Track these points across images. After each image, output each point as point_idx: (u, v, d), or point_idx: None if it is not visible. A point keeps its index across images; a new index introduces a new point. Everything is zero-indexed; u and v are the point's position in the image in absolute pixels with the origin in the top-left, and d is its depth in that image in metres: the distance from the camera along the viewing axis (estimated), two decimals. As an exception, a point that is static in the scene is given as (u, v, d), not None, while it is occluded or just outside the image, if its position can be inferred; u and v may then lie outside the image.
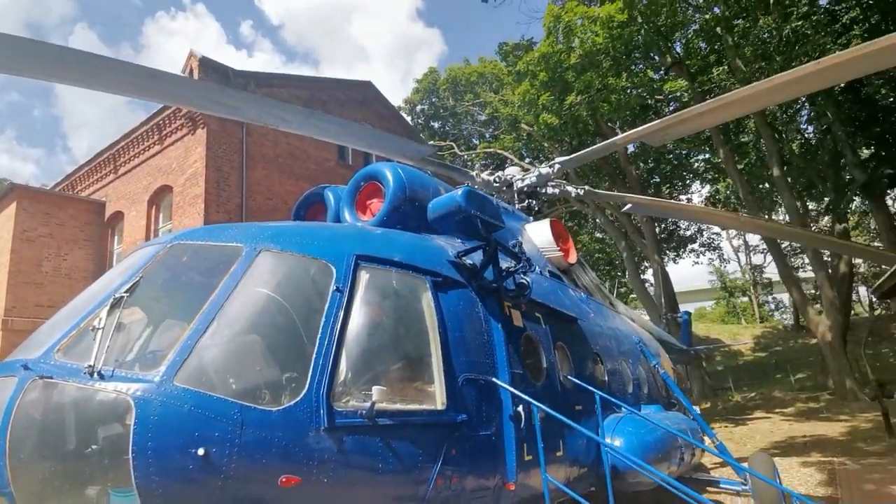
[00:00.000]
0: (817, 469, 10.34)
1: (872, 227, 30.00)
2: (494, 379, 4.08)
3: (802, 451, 12.27)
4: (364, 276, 3.59)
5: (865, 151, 19.38)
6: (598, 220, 28.31)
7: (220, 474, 2.52)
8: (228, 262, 3.28)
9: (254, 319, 3.09)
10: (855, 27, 16.56)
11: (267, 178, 15.87)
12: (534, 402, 3.97)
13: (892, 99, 17.78)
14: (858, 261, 23.56)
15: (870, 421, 14.42)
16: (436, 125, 37.58)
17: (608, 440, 5.57)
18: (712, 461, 11.21)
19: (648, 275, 31.56)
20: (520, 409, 4.13)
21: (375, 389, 3.07)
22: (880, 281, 8.81)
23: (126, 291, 3.09)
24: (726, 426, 16.89)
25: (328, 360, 3.06)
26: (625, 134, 7.30)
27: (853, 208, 27.06)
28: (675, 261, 33.96)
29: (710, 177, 30.70)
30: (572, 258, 7.60)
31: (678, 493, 3.99)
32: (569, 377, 5.21)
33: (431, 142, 33.52)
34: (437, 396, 3.58)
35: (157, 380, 2.61)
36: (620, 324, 8.27)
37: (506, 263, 4.68)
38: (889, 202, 21.18)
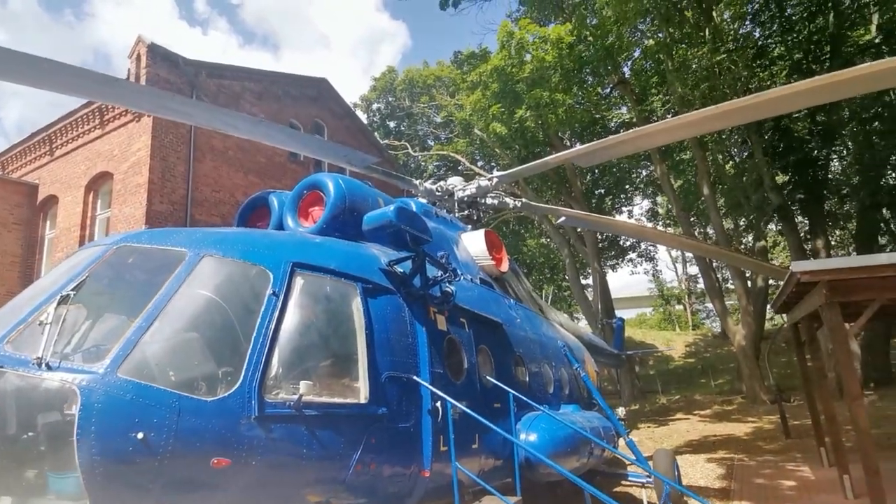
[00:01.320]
0: (719, 464, 11.43)
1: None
2: (415, 377, 4.55)
3: (711, 448, 13.44)
4: (299, 282, 3.98)
5: (782, 177, 21.16)
6: (543, 227, 29.39)
7: (157, 456, 2.86)
8: (172, 265, 3.59)
9: (194, 319, 3.42)
10: (779, 62, 18.12)
11: (215, 171, 15.77)
12: (448, 398, 4.46)
13: (806, 131, 19.53)
14: (776, 276, 25.58)
15: (772, 423, 15.88)
16: (391, 124, 37.80)
17: (523, 436, 6.17)
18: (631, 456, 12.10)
19: (591, 280, 33.03)
20: (437, 404, 4.61)
21: (303, 383, 3.47)
22: (775, 296, 9.88)
23: (73, 289, 3.35)
24: (650, 426, 18.11)
25: (261, 357, 3.44)
26: (557, 154, 7.95)
27: (770, 229, 29.33)
28: (613, 269, 35.63)
29: (650, 191, 32.43)
30: (504, 267, 8.19)
31: (578, 484, 4.54)
32: (488, 377, 5.75)
33: (386, 141, 33.75)
34: (361, 391, 4.01)
35: (101, 371, 2.91)
36: (547, 329, 8.93)
37: (433, 273, 5.17)
38: (800, 224, 23.16)
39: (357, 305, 4.30)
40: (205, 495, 3.06)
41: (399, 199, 7.10)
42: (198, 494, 3.03)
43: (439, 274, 5.14)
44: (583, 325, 24.82)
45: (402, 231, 4.65)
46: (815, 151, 18.95)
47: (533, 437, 6.11)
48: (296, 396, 3.46)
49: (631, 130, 7.40)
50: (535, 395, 7.00)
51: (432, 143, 36.11)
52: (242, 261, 3.83)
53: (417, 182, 8.97)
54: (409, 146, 34.16)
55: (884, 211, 19.39)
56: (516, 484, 5.25)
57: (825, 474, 9.55)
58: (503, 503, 4.44)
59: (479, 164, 30.24)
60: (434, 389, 4.54)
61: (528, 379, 7.01)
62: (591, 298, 27.26)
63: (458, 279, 5.31)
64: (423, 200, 8.56)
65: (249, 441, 3.22)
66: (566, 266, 28.61)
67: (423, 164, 33.84)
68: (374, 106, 37.71)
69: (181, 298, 3.44)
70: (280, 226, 5.70)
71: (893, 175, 20.11)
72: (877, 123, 18.23)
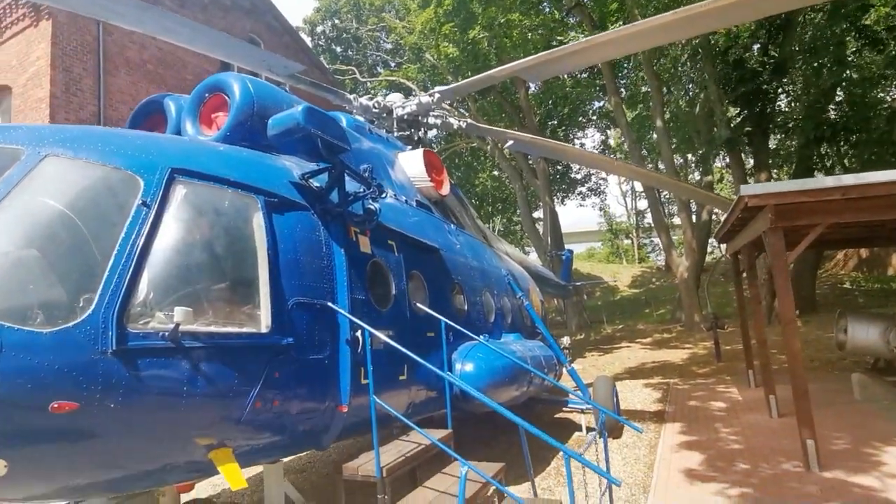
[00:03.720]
0: (655, 389, 11.80)
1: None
2: (331, 304, 4.04)
3: (649, 374, 13.90)
4: (180, 191, 3.30)
5: (732, 110, 21.12)
6: (496, 159, 28.78)
7: None
8: (3, 165, 2.84)
9: (26, 233, 2.72)
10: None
11: (132, 86, 14.13)
12: (367, 327, 4.00)
13: (757, 63, 19.32)
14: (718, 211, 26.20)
15: (706, 349, 16.59)
16: (338, 49, 35.42)
17: (458, 366, 5.87)
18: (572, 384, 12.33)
19: (542, 213, 33.07)
20: (357, 334, 4.14)
21: (178, 310, 2.89)
22: (719, 227, 9.83)
23: None
24: (595, 355, 18.64)
25: (123, 279, 2.81)
26: (503, 67, 7.24)
27: (717, 166, 29.79)
28: (563, 202, 35.77)
29: (603, 124, 32.10)
30: (445, 190, 7.64)
31: (509, 417, 4.21)
32: (421, 305, 5.32)
33: (333, 66, 31.63)
34: (262, 319, 3.48)
35: None
36: (490, 257, 8.56)
37: (355, 188, 4.55)
38: (745, 159, 23.49)
39: (258, 222, 3.67)
40: (50, 444, 2.51)
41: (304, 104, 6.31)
42: (41, 444, 2.48)
43: (361, 189, 4.52)
44: (533, 258, 24.96)
45: (311, 136, 3.96)
46: (766, 84, 18.82)
47: (469, 367, 5.83)
48: (171, 326, 2.89)
49: (581, 40, 6.76)
50: (474, 324, 6.68)
51: (381, 70, 34.19)
52: (102, 163, 3.09)
53: (352, 97, 8.12)
54: (356, 72, 32.21)
55: (822, 147, 19.74)
56: (448, 416, 4.96)
57: (752, 395, 9.94)
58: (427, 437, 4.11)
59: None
60: (352, 318, 4.05)
61: (466, 307, 6.65)
62: (541, 232, 27.29)
63: (383, 196, 4.71)
64: (361, 119, 7.77)
65: (105, 380, 2.65)
66: (517, 199, 28.36)
67: (371, 91, 32.09)
68: (319, 29, 35.09)
69: (11, 208, 2.72)
70: (178, 134, 4.88)
71: (835, 110, 20.38)
72: (825, 59, 18.17)
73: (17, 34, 13.45)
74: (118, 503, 3.92)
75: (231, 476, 3.07)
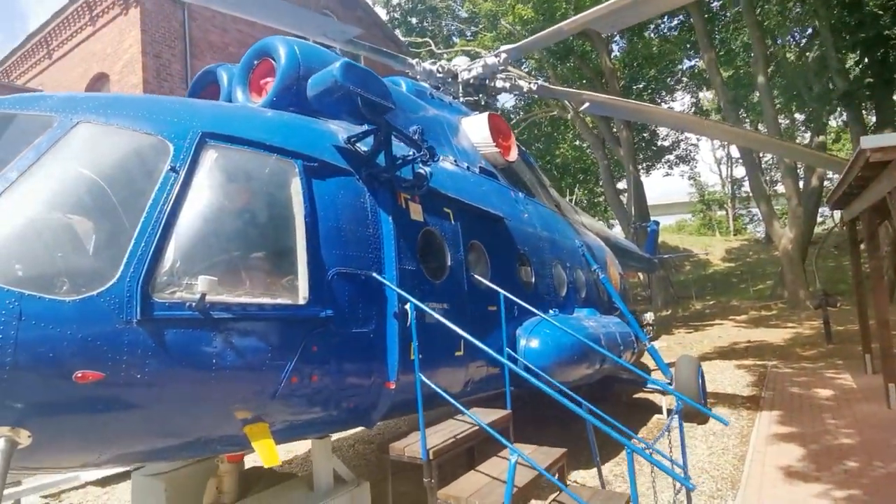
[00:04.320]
0: (750, 371, 10.72)
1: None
2: (376, 275, 3.80)
3: (742, 354, 12.71)
4: (211, 156, 3.15)
5: (850, 58, 18.47)
6: (577, 129, 27.41)
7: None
8: (35, 133, 2.81)
9: (55, 198, 2.67)
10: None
11: (214, 69, 14.66)
12: (413, 300, 3.71)
13: (878, 5, 16.63)
14: (831, 175, 23.33)
15: (813, 329, 14.93)
16: (413, 20, 35.06)
17: (523, 342, 5.49)
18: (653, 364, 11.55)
19: (626, 184, 31.27)
20: (406, 307, 3.88)
21: (202, 279, 2.75)
22: (832, 191, 8.55)
23: None
24: (681, 332, 17.44)
25: (150, 247, 2.71)
26: (572, 19, 6.58)
27: (832, 122, 26.43)
28: (648, 172, 33.55)
29: (693, 85, 29.53)
30: (512, 155, 7.16)
31: (561, 402, 3.79)
32: (479, 277, 4.97)
33: (408, 39, 31.39)
34: (299, 290, 3.29)
35: None
36: (562, 228, 8.00)
37: (403, 151, 4.24)
38: (865, 116, 20.55)
39: (295, 187, 3.47)
40: (76, 414, 2.47)
41: (387, 78, 6.01)
42: (66, 415, 2.44)
43: (411, 153, 4.20)
44: (617, 231, 23.65)
45: (351, 95, 3.68)
46: (888, 29, 16.13)
47: (534, 344, 5.43)
48: (198, 296, 2.76)
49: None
50: (542, 298, 6.24)
51: (457, 41, 33.48)
52: (132, 129, 2.99)
53: (414, 61, 7.78)
54: (431, 43, 31.75)
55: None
56: (507, 396, 4.63)
57: (868, 382, 8.72)
58: (470, 418, 3.81)
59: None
60: (400, 290, 3.78)
61: (533, 280, 6.22)
62: (625, 203, 25.80)
63: (435, 160, 4.35)
64: (424, 84, 7.42)
65: (131, 350, 2.56)
66: (600, 169, 26.94)
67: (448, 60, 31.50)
68: (395, 1, 34.86)
69: (39, 173, 2.68)
70: (229, 102, 4.80)
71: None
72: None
73: (108, 23, 14.33)
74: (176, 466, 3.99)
75: (264, 452, 2.95)
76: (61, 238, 2.60)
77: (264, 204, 3.33)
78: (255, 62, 4.69)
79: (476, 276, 4.96)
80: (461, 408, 3.76)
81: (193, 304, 2.77)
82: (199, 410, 2.86)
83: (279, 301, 3.17)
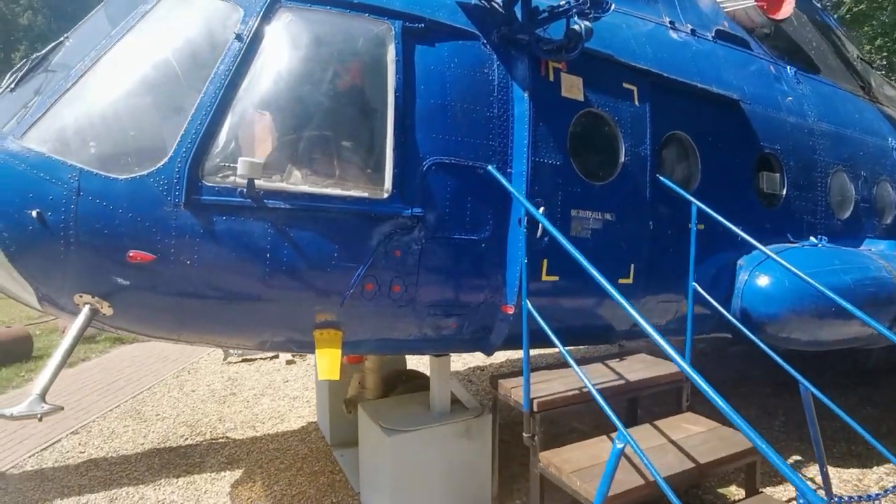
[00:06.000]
0: None
1: None
2: (495, 168, 2.94)
3: None
4: (283, 20, 2.68)
5: None
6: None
7: (59, 240, 2.34)
8: (135, 5, 2.76)
9: (129, 75, 2.58)
10: None
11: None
12: (527, 207, 2.74)
13: None
14: None
15: None
16: None
17: (743, 276, 3.94)
18: None
19: None
20: (539, 211, 2.97)
21: (241, 162, 2.38)
22: None
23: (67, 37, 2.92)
24: None
25: (202, 126, 2.45)
26: None
27: None
28: None
29: None
30: (783, 12, 4.95)
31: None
32: (669, 182, 3.57)
33: None
34: (383, 183, 2.71)
35: (4, 137, 2.42)
36: (861, 119, 5.42)
37: (550, 3, 3.07)
38: None
39: (389, 55, 2.79)
40: (139, 292, 2.48)
41: None
42: (131, 292, 2.46)
43: (564, 3, 3.01)
44: None
45: None
46: None
47: (762, 281, 3.85)
48: (246, 181, 2.44)
49: None
50: (798, 218, 4.37)
51: None
52: (207, -6, 2.72)
53: None
54: None
55: None
56: (687, 345, 3.36)
57: None
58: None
59: None
60: (515, 194, 2.87)
61: (783, 192, 4.36)
62: None
63: (604, 8, 3.04)
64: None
65: (179, 234, 2.42)
66: None
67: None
68: None
69: (121, 49, 2.62)
70: None
71: None
72: None
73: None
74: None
75: (323, 363, 2.61)
76: (126, 115, 2.53)
77: (343, 77, 2.76)
78: None
79: (665, 179, 3.58)
80: (564, 352, 2.75)
81: (244, 190, 2.46)
82: (258, 305, 2.65)
83: (351, 193, 2.66)
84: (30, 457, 4.52)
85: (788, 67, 4.96)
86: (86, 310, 2.45)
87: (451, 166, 2.86)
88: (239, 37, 2.61)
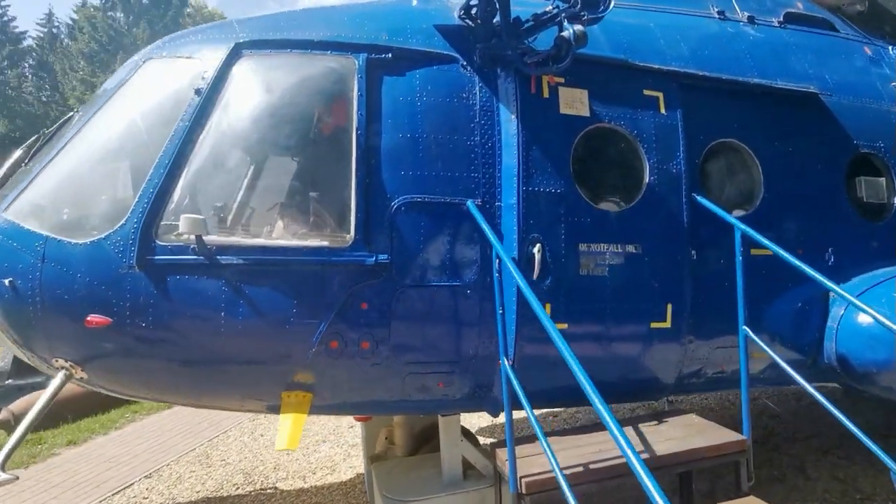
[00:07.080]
0: None
1: None
2: (478, 202, 2.58)
3: None
4: (243, 69, 2.60)
5: None
6: None
7: (29, 307, 2.39)
8: (124, 77, 2.86)
9: (100, 143, 2.63)
10: None
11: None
12: (497, 243, 2.33)
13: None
14: None
15: None
16: None
17: (838, 311, 3.12)
18: None
19: None
20: (535, 249, 2.56)
21: (184, 219, 2.27)
22: None
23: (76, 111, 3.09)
24: None
25: (158, 184, 2.41)
26: None
27: None
28: None
29: None
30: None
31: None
32: (700, 199, 2.93)
33: None
34: (345, 229, 2.47)
35: None
36: None
37: (537, 9, 2.68)
38: None
39: (352, 90, 2.59)
40: (95, 356, 2.44)
41: None
42: (88, 354, 2.44)
43: (550, 7, 2.62)
44: None
45: None
46: None
47: (865, 320, 2.99)
48: (209, 238, 2.34)
49: None
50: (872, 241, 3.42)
51: None
52: (175, 56, 2.72)
53: None
54: None
55: None
56: (744, 413, 2.66)
57: None
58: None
59: None
60: (520, 220, 2.49)
61: (893, 199, 3.45)
62: None
63: (605, 7, 2.59)
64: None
65: (133, 297, 2.36)
66: None
67: None
68: None
69: (101, 118, 2.70)
70: None
71: None
72: None
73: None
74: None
75: (285, 429, 2.38)
76: (95, 180, 2.60)
77: (303, 120, 2.62)
78: None
79: (706, 200, 2.94)
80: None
81: (195, 247, 2.37)
82: (220, 367, 2.51)
83: (307, 243, 2.46)
84: (101, 501, 4.80)
85: (891, 48, 4.01)
86: (61, 374, 2.48)
87: (424, 205, 2.57)
88: (198, 91, 2.57)
